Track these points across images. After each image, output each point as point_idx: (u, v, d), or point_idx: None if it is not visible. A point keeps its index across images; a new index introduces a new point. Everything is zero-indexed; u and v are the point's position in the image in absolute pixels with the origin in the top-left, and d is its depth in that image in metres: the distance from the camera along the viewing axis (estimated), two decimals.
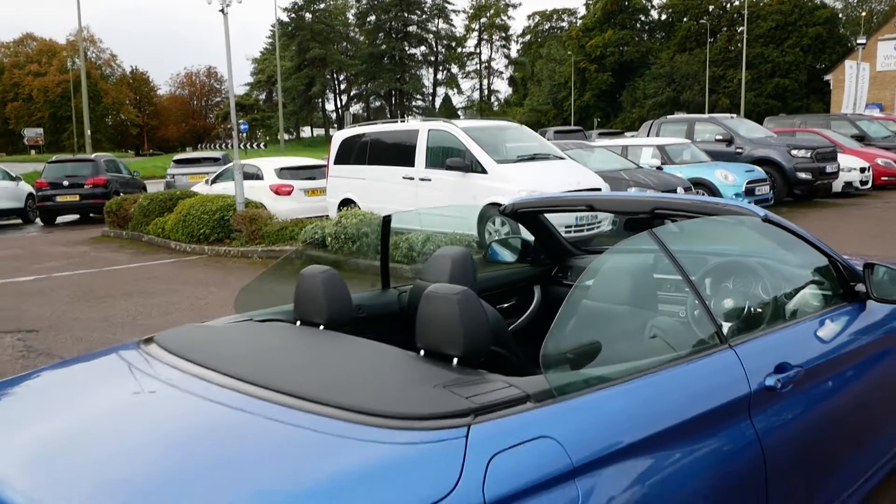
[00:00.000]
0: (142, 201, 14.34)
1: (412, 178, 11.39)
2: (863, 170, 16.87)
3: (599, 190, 10.75)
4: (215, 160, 21.25)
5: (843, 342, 2.76)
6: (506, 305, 3.78)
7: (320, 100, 74.80)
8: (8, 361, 6.20)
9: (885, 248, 10.11)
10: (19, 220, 19.28)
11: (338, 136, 13.06)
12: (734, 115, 17.48)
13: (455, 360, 2.07)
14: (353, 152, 12.48)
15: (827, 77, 43.50)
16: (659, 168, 13.98)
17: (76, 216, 19.47)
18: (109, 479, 1.58)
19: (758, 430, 2.21)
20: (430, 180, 11.14)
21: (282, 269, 3.73)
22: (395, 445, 1.59)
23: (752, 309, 2.89)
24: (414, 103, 76.23)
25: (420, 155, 11.33)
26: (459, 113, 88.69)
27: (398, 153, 11.72)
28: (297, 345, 2.33)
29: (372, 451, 1.58)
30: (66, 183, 17.85)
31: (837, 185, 16.40)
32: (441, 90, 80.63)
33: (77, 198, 17.93)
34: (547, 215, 3.82)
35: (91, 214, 19.06)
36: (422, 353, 2.16)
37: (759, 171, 14.13)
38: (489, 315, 2.52)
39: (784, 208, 15.00)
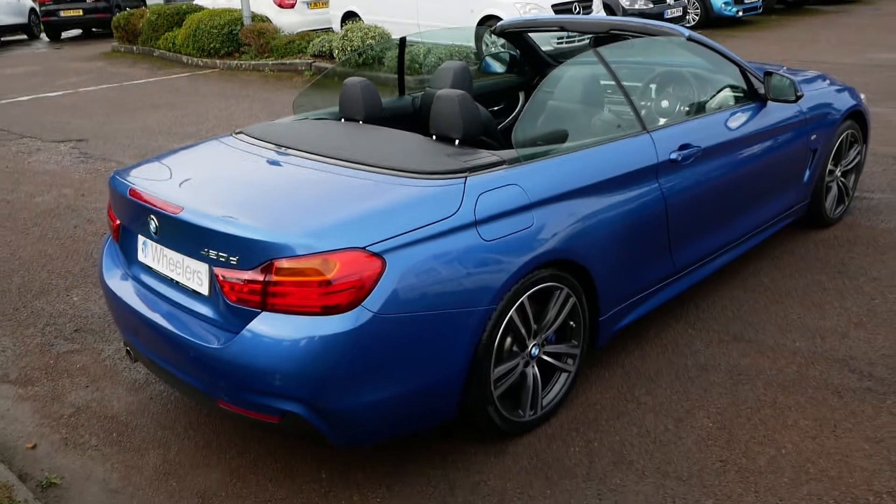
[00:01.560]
0: (150, 16, 14.73)
1: None
2: None
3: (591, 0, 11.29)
4: None
5: (740, 130, 3.75)
6: (496, 108, 4.73)
7: None
8: (71, 165, 7.23)
9: (853, 56, 10.79)
10: (24, 36, 19.59)
11: None
12: None
13: (457, 141, 3.08)
14: None
15: None
16: None
17: (79, 31, 19.77)
18: (248, 197, 2.65)
19: (663, 189, 3.27)
20: None
21: (321, 83, 4.64)
22: (420, 188, 2.63)
23: (676, 106, 3.87)
24: None
25: None
26: None
27: None
28: (347, 132, 3.33)
29: (407, 191, 2.62)
30: None
31: None
32: None
33: (80, 12, 18.19)
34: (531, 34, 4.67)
35: (94, 29, 19.37)
36: (434, 137, 3.16)
37: None
38: (481, 112, 3.50)
39: (773, 16, 15.44)
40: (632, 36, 3.95)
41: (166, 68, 13.19)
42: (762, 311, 3.80)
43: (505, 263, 2.64)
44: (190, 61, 13.39)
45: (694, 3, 14.07)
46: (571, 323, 3.02)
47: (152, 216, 2.72)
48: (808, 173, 4.33)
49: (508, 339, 2.80)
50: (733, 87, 3.97)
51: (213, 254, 2.51)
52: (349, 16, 12.92)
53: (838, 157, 4.62)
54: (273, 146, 3.13)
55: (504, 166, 2.81)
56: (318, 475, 2.81)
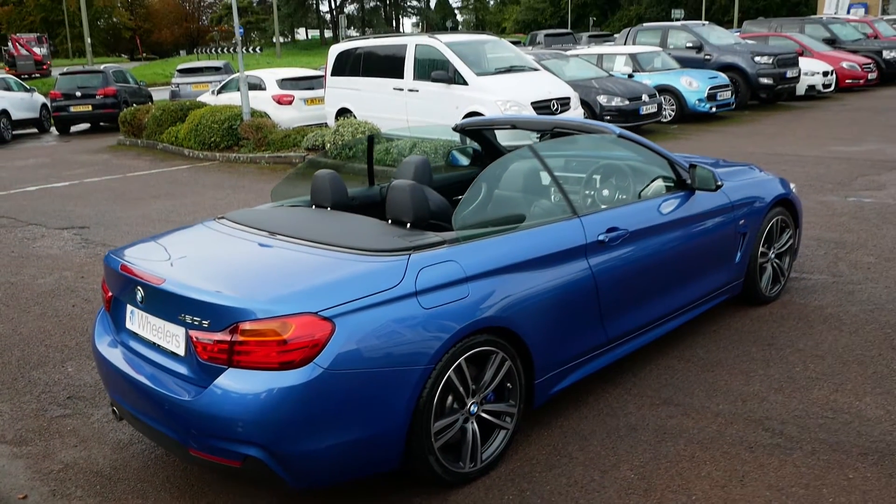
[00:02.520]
0: (154, 112, 15.56)
1: (402, 89, 12.62)
2: (825, 73, 17.99)
3: (568, 99, 12.04)
4: (217, 69, 22.30)
5: (668, 216, 4.22)
6: (459, 197, 5.22)
7: (314, 1, 73.96)
8: (73, 250, 7.71)
9: (815, 149, 11.44)
10: (35, 130, 20.50)
11: (334, 50, 14.17)
12: (706, 23, 18.43)
13: (409, 224, 3.54)
14: (348, 65, 13.64)
15: None
16: (630, 76, 15.17)
17: (88, 125, 20.70)
18: (222, 271, 3.08)
19: (592, 267, 3.71)
20: (417, 91, 12.38)
21: (298, 173, 5.15)
22: (369, 263, 3.07)
23: (608, 194, 4.36)
24: (408, 3, 75.46)
25: (409, 68, 12.52)
26: (457, 12, 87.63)
27: (389, 66, 12.89)
28: (314, 216, 3.80)
29: (358, 265, 3.06)
30: (78, 94, 19.02)
31: (801, 88, 17.60)
32: None
33: (90, 108, 19.13)
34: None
35: (101, 123, 20.28)
36: (389, 221, 3.63)
37: (722, 78, 15.32)
38: (433, 199, 3.97)
39: (747, 112, 16.27)
40: (573, 133, 4.50)
41: (168, 161, 13.88)
42: (693, 378, 4.17)
43: (442, 329, 3.05)
44: (191, 154, 14.10)
45: (669, 99, 14.90)
46: (508, 384, 3.40)
47: (139, 287, 3.15)
48: (739, 255, 4.78)
49: (449, 397, 3.18)
50: (664, 178, 4.46)
51: (188, 318, 2.92)
52: (343, 112, 13.69)
53: (770, 240, 5.08)
54: (249, 229, 3.59)
55: (445, 245, 3.26)
56: None
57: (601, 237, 3.78)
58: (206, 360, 2.87)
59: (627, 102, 13.30)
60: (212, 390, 2.82)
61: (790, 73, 16.38)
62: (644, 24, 19.34)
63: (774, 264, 5.18)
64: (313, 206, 4.10)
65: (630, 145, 4.37)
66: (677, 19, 41.53)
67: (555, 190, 3.85)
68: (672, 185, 4.46)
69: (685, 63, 16.32)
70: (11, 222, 9.20)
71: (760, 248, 4.97)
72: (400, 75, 12.64)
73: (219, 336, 2.83)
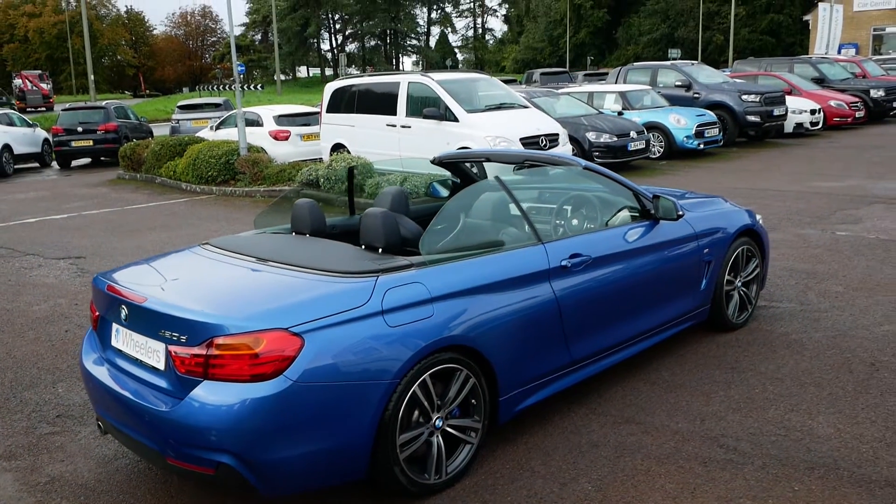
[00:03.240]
0: (154, 146, 15.88)
1: (395, 126, 12.94)
2: (813, 111, 18.35)
3: (557, 135, 12.34)
4: (217, 105, 22.69)
5: (631, 244, 4.44)
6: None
7: (315, 40, 75.21)
8: (68, 279, 7.92)
9: (798, 184, 11.71)
10: (37, 164, 20.83)
11: (329, 87, 14.53)
12: (695, 62, 18.87)
13: (380, 250, 3.76)
14: (343, 102, 13.98)
15: (806, 17, 44.23)
16: (620, 113, 15.53)
17: (89, 160, 21.03)
18: (202, 291, 3.29)
19: (555, 291, 3.92)
20: (409, 127, 12.70)
21: (281, 203, 5.38)
22: (339, 284, 3.28)
23: (574, 222, 4.59)
24: (408, 42, 76.73)
25: (401, 105, 12.86)
26: (457, 51, 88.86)
27: (382, 103, 13.23)
28: (292, 243, 4.02)
29: (328, 286, 3.27)
30: (80, 129, 19.38)
31: (789, 126, 17.93)
32: (435, 29, 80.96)
33: (91, 143, 19.47)
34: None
35: (102, 158, 20.61)
36: (363, 247, 3.84)
37: (710, 115, 15.66)
38: (407, 227, 4.20)
39: (734, 148, 16.58)
40: (542, 165, 4.74)
41: (166, 194, 14.15)
42: (656, 399, 4.35)
43: (407, 346, 3.25)
44: (189, 188, 14.37)
45: (658, 136, 15.22)
46: (473, 401, 3.59)
47: (123, 306, 3.36)
48: (704, 282, 4.99)
49: (415, 411, 3.36)
50: (630, 208, 4.69)
51: (168, 334, 3.13)
52: (337, 147, 14.00)
53: (736, 269, 5.29)
54: (231, 254, 3.81)
55: (412, 268, 3.48)
56: None
57: (564, 262, 3.99)
58: (183, 373, 3.07)
59: (616, 139, 13.61)
60: (188, 401, 3.01)
61: (777, 111, 16.73)
62: (635, 63, 19.79)
63: (741, 292, 5.38)
64: (293, 234, 4.32)
65: (596, 177, 4.61)
66: (674, 59, 42.27)
67: (520, 218, 4.07)
68: (637, 214, 4.69)
69: (674, 101, 16.69)
70: (10, 252, 9.41)
71: (727, 277, 5.18)
72: (393, 112, 12.97)
73: (195, 350, 3.02)
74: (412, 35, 74.96)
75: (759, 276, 5.50)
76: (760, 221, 5.59)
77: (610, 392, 4.46)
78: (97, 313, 3.69)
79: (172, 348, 3.11)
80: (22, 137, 19.68)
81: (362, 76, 14.49)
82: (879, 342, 5.05)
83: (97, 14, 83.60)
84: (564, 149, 12.47)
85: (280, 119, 16.02)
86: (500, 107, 12.61)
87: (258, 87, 56.32)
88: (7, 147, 18.61)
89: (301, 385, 2.99)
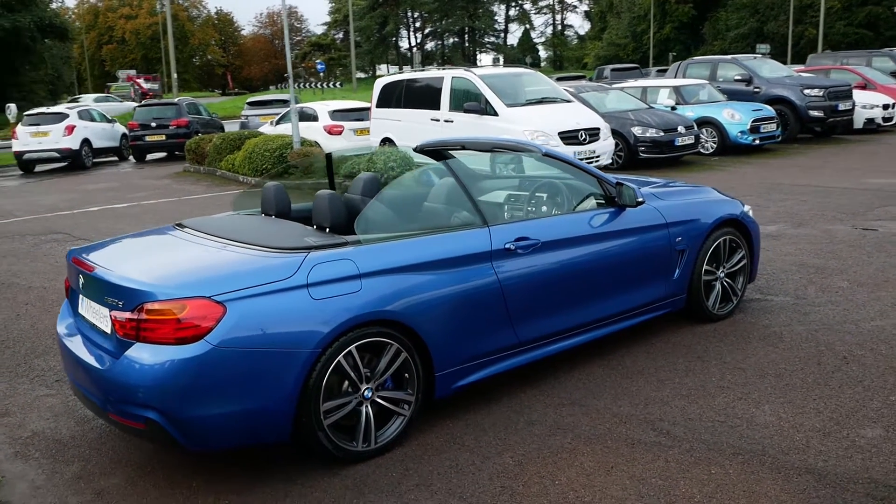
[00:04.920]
0: (215, 141, 16.57)
1: (438, 120, 13.15)
2: (886, 106, 17.59)
3: (598, 130, 12.30)
4: (284, 102, 23.40)
5: (588, 230, 4.50)
6: None
7: (394, 38, 76.28)
8: None
9: (848, 181, 11.31)
10: (115, 158, 22.00)
11: (379, 83, 14.86)
12: (758, 56, 18.35)
13: (327, 229, 3.96)
14: (392, 97, 14.28)
15: None
16: (673, 108, 15.29)
17: (164, 154, 22.06)
18: (149, 263, 3.57)
19: (497, 272, 4.03)
20: (452, 122, 12.88)
21: (258, 186, 5.67)
22: (268, 258, 3.51)
23: (546, 209, 4.68)
24: (486, 40, 76.87)
25: (445, 99, 13.06)
26: (539, 48, 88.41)
27: (427, 98, 13.46)
28: (251, 223, 4.28)
29: (258, 260, 3.50)
30: (153, 124, 20.39)
31: (858, 122, 17.24)
32: (513, 27, 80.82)
33: (163, 137, 20.45)
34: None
35: (176, 152, 21.57)
36: (315, 226, 4.06)
37: (768, 110, 15.23)
38: (375, 209, 4.36)
39: (795, 145, 16.08)
40: (508, 152, 4.87)
41: (223, 186, 14.76)
42: (609, 383, 4.41)
43: (330, 318, 3.44)
44: (245, 180, 14.95)
45: (711, 131, 14.92)
46: (406, 374, 3.75)
47: (81, 275, 3.67)
48: (678, 271, 4.99)
49: (345, 381, 3.55)
50: (595, 195, 4.75)
51: (110, 300, 3.41)
52: (385, 141, 14.30)
53: (717, 259, 5.25)
54: (194, 232, 4.08)
55: (346, 247, 3.67)
56: (190, 483, 3.57)
57: (508, 245, 4.10)
58: (122, 336, 3.35)
59: (662, 134, 13.43)
60: (121, 361, 3.29)
61: (842, 106, 16.12)
62: (693, 58, 19.40)
63: (725, 283, 5.34)
64: (263, 215, 4.57)
65: (557, 164, 4.69)
66: (762, 54, 40.92)
67: (467, 202, 4.20)
68: (603, 201, 4.74)
69: (733, 96, 16.30)
70: (65, 237, 10.08)
71: (705, 267, 5.16)
72: (437, 107, 13.18)
73: (129, 315, 3.29)
74: (490, 32, 75.10)
75: (745, 268, 5.45)
76: (749, 213, 5.53)
77: (565, 375, 4.54)
78: (69, 284, 4.03)
79: (113, 313, 3.39)
80: (101, 132, 20.83)
81: (409, 72, 14.74)
82: (863, 336, 4.94)
83: (189, 15, 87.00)
84: (606, 143, 12.42)
85: (335, 114, 16.47)
86: (541, 101, 12.66)
87: (337, 84, 57.49)
88: (87, 141, 19.75)
89: (221, 349, 3.22)
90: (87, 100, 37.50)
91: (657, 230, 4.84)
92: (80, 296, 3.83)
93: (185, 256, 3.74)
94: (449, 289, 3.86)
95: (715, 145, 14.98)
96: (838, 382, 4.27)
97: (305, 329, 3.39)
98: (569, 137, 11.91)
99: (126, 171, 18.91)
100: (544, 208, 4.85)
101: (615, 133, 13.41)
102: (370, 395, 3.65)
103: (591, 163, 12.11)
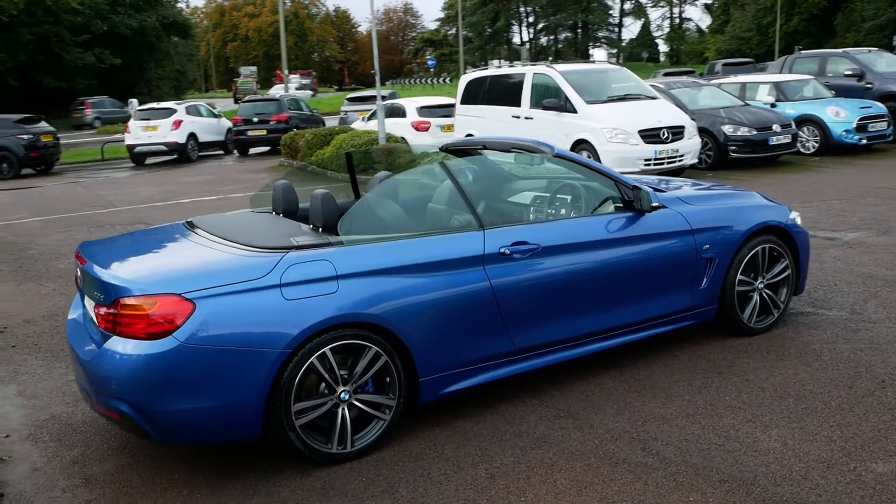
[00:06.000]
0: (307, 136, 17.02)
1: (519, 117, 12.99)
2: None
3: (682, 128, 11.80)
4: (383, 98, 23.75)
5: (597, 235, 4.29)
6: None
7: (506, 34, 76.03)
8: None
9: None
10: (221, 152, 22.98)
11: (464, 79, 14.82)
12: (873, 49, 17.08)
13: (320, 229, 3.96)
14: (476, 93, 14.22)
15: None
16: (773, 106, 14.48)
17: (267, 148, 22.85)
18: (137, 259, 3.67)
19: (490, 277, 3.91)
20: (532, 119, 12.70)
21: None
22: (244, 257, 3.54)
23: (561, 211, 4.52)
24: (600, 34, 75.31)
25: (525, 96, 12.89)
26: (659, 42, 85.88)
27: (509, 94, 13.32)
28: (254, 222, 4.33)
29: (233, 258, 3.54)
30: (255, 119, 21.15)
31: None
32: (629, 20, 78.78)
33: (264, 132, 21.18)
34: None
35: (277, 147, 22.29)
36: (311, 226, 4.06)
37: (878, 107, 14.18)
38: (389, 210, 4.31)
39: None
40: (523, 152, 4.72)
41: (310, 181, 15.12)
42: (615, 398, 4.20)
43: (302, 318, 3.43)
44: (332, 175, 15.26)
45: (813, 130, 14.04)
46: (387, 378, 3.70)
47: (79, 269, 3.82)
48: (706, 281, 4.70)
49: (321, 383, 3.54)
50: (613, 199, 4.54)
51: (95, 294, 3.54)
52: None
53: (754, 268, 4.92)
54: (196, 230, 4.14)
55: (326, 247, 3.65)
56: (172, 474, 3.66)
57: (503, 250, 3.97)
58: (103, 329, 3.46)
59: (755, 132, 12.75)
60: (101, 353, 3.41)
61: None
62: (802, 52, 18.29)
63: (764, 294, 4.99)
64: (273, 213, 4.62)
65: (571, 165, 4.50)
66: None
67: (463, 204, 4.09)
68: (621, 205, 4.53)
69: (842, 92, 15.28)
70: (143, 226, 10.59)
71: (739, 276, 4.83)
72: (518, 103, 13.03)
73: (108, 309, 3.40)
74: (604, 27, 73.56)
75: (789, 279, 5.07)
76: (797, 220, 5.14)
77: (570, 387, 4.37)
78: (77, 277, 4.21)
79: (97, 307, 3.51)
80: (207, 127, 21.80)
81: (494, 68, 14.62)
82: None
83: (308, 13, 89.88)
84: (690, 142, 11.90)
85: (422, 110, 16.58)
86: (623, 98, 12.27)
87: (447, 79, 57.91)
88: (193, 136, 20.73)
89: (188, 346, 3.27)
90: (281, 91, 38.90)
91: (680, 236, 4.58)
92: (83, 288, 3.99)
93: (172, 254, 3.83)
94: (435, 293, 3.78)
95: (817, 145, 14.08)
96: (865, 409, 3.91)
97: (275, 329, 3.40)
98: (649, 135, 11.48)
99: (226, 165, 19.71)
100: (563, 211, 4.68)
101: (704, 131, 12.84)
102: (347, 397, 3.62)
103: (674, 162, 11.65)
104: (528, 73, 13.05)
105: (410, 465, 3.60)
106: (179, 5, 52.85)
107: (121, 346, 3.34)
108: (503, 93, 13.59)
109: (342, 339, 3.54)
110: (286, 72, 33.56)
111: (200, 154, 21.53)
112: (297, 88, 48.39)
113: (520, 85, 13.09)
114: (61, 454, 3.95)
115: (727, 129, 12.87)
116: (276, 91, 42.92)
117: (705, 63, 72.79)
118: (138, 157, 20.57)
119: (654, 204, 4.44)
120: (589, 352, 4.36)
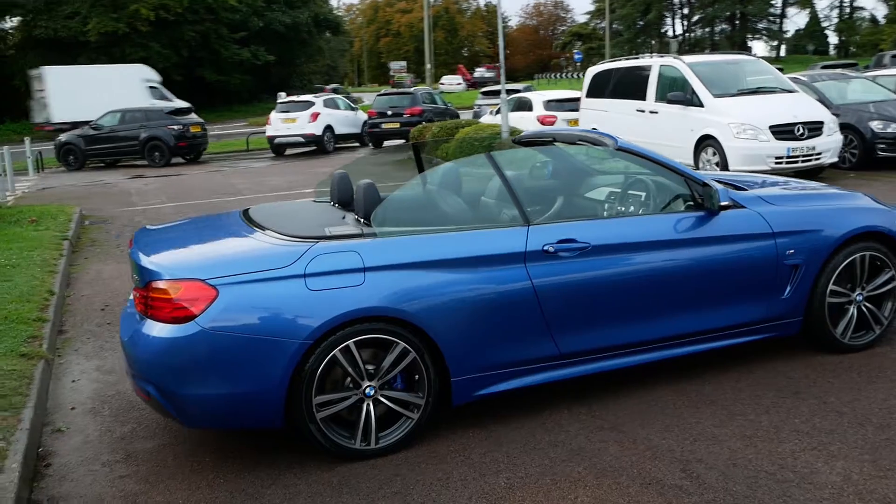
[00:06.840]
0: (434, 129, 17.15)
1: (643, 111, 12.45)
2: None
3: (820, 123, 10.87)
4: (517, 92, 23.58)
5: (660, 235, 3.97)
6: None
7: (657, 27, 73.42)
8: None
9: None
10: (356, 144, 23.61)
11: (590, 72, 14.39)
12: None
13: (361, 219, 3.90)
14: (601, 86, 13.76)
15: None
16: None
17: (401, 140, 23.24)
18: (179, 246, 3.76)
19: (531, 276, 3.70)
20: (657, 113, 12.14)
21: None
22: (272, 245, 3.53)
23: (631, 208, 4.24)
24: (760, 26, 71.06)
25: (651, 89, 12.33)
26: (829, 34, 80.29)
27: (634, 87, 12.79)
28: (303, 211, 4.34)
29: (262, 246, 3.55)
30: (389, 112, 21.57)
31: None
32: (792, 11, 73.91)
33: (398, 125, 21.53)
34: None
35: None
36: (354, 215, 4.01)
37: None
38: (450, 202, 4.18)
39: None
40: (588, 144, 4.46)
41: None
42: (669, 412, 3.87)
43: (326, 309, 3.38)
44: None
45: None
46: (416, 376, 3.59)
47: (130, 253, 3.97)
48: (789, 289, 4.25)
49: (347, 377, 3.48)
50: (684, 196, 4.18)
51: (135, 278, 3.65)
52: None
53: (852, 278, 4.40)
54: (247, 219, 4.15)
55: (359, 239, 3.58)
56: (203, 459, 3.73)
57: (547, 247, 3.75)
58: (140, 311, 3.57)
59: None
60: (134, 334, 3.51)
61: None
62: None
63: (864, 307, 4.46)
64: (332, 202, 4.61)
65: (636, 160, 4.18)
66: None
67: (508, 197, 3.89)
68: (691, 202, 4.17)
69: None
70: None
71: (832, 287, 4.34)
72: (643, 97, 12.49)
73: (143, 292, 3.50)
74: (765, 18, 69.32)
75: (894, 291, 4.50)
76: None
77: (626, 397, 4.07)
78: None
79: (137, 290, 3.63)
80: (343, 119, 22.46)
81: (621, 60, 14.10)
82: None
83: (459, 8, 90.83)
84: (830, 139, 10.95)
85: (549, 104, 16.31)
86: (756, 91, 11.46)
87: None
88: (329, 128, 21.42)
89: (209, 332, 3.30)
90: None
91: (757, 239, 4.16)
92: None
93: (211, 241, 3.89)
94: (470, 290, 3.63)
95: None
96: None
97: (297, 319, 3.37)
98: (782, 131, 10.66)
99: (356, 157, 20.21)
100: (632, 208, 4.38)
101: (849, 128, 11.80)
102: (372, 392, 3.54)
103: (810, 161, 10.77)
104: (655, 64, 12.48)
105: (432, 468, 3.47)
106: (332, 2, 54.95)
107: (149, 328, 3.42)
108: (629, 86, 13.06)
109: (368, 333, 3.46)
110: (394, 65, 34.02)
111: (337, 146, 22.21)
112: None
113: (646, 77, 12.53)
114: (113, 429, 4.12)
115: (875, 125, 11.74)
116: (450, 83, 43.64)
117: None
118: (278, 148, 21.51)
119: (724, 203, 4.05)
120: (644, 361, 4.05)
